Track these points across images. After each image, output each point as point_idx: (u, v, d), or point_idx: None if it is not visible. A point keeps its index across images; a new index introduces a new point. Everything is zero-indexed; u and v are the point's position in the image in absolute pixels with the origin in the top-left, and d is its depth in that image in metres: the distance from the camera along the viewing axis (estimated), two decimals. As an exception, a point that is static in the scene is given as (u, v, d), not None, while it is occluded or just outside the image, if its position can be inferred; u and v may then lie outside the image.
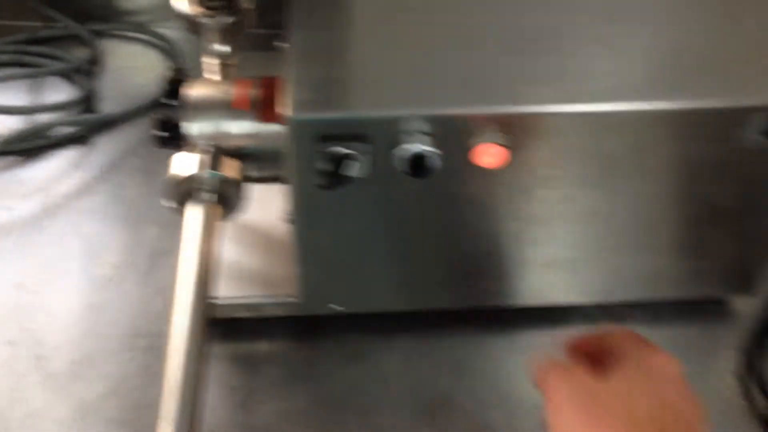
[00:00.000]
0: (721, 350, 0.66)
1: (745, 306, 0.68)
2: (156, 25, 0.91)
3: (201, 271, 0.48)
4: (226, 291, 0.61)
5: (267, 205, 0.65)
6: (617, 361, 0.45)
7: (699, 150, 0.52)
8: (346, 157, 0.47)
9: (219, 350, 0.62)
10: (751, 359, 0.64)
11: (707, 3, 0.57)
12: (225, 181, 0.54)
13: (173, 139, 0.57)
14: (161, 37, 0.90)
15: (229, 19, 0.61)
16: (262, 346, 0.64)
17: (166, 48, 0.89)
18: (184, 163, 0.54)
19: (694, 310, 0.68)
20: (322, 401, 0.61)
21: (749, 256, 0.62)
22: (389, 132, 0.48)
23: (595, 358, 0.47)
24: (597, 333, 0.49)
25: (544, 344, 0.65)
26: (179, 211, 0.54)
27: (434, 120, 0.48)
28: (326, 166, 0.48)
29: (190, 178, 0.53)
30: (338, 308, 0.61)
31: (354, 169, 0.48)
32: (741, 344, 0.65)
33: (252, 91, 0.57)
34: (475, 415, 0.61)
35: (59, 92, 0.83)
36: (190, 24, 0.62)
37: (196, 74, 0.62)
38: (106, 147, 0.79)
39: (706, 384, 0.63)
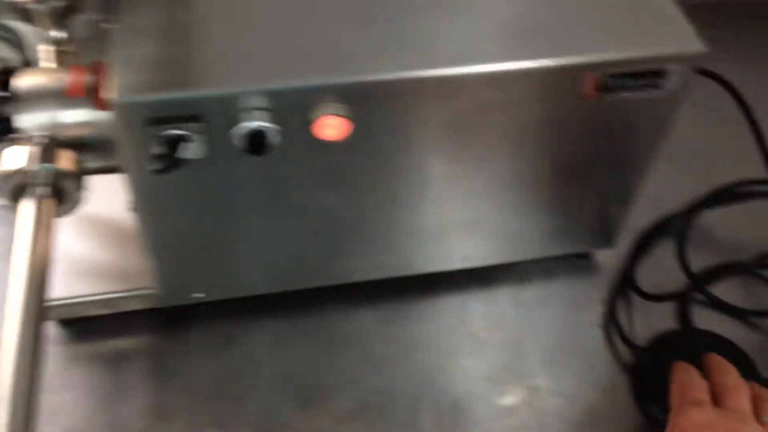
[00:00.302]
0: (585, 303, 0.68)
1: (607, 258, 0.71)
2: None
3: (35, 271, 0.46)
4: (78, 289, 0.58)
5: (115, 196, 0.63)
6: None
7: (542, 109, 0.53)
8: (179, 139, 0.46)
9: (78, 351, 0.60)
10: (612, 310, 0.66)
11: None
12: (60, 174, 0.51)
13: (4, 133, 0.54)
14: (5, 29, 0.84)
15: (60, 3, 0.58)
16: (125, 343, 0.62)
17: (12, 39, 0.84)
18: (15, 157, 0.51)
19: (560, 266, 0.70)
20: (192, 393, 0.60)
21: (607, 211, 0.64)
22: (224, 110, 0.46)
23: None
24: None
25: (412, 314, 0.66)
26: (12, 208, 0.51)
27: (271, 94, 0.47)
28: (159, 149, 0.46)
29: (22, 173, 0.50)
30: (200, 296, 0.60)
31: (189, 151, 0.46)
32: (604, 296, 0.68)
33: (87, 78, 0.54)
34: (350, 391, 0.61)
35: None
36: (21, 11, 0.58)
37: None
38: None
39: (573, 336, 0.66)
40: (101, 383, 0.59)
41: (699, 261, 0.70)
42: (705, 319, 0.67)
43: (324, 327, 0.64)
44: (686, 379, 0.56)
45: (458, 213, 0.61)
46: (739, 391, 0.54)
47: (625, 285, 0.68)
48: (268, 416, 0.59)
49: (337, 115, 0.48)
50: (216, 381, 0.60)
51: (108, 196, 0.63)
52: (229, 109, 0.47)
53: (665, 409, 0.59)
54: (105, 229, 0.63)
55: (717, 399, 0.54)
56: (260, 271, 0.60)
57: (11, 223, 0.62)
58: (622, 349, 0.64)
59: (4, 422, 0.39)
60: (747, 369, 0.63)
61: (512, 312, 0.67)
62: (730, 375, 0.56)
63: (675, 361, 0.62)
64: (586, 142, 0.57)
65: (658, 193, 0.74)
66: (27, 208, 0.49)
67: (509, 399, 0.62)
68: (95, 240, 0.62)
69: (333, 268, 0.62)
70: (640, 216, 0.73)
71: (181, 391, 0.60)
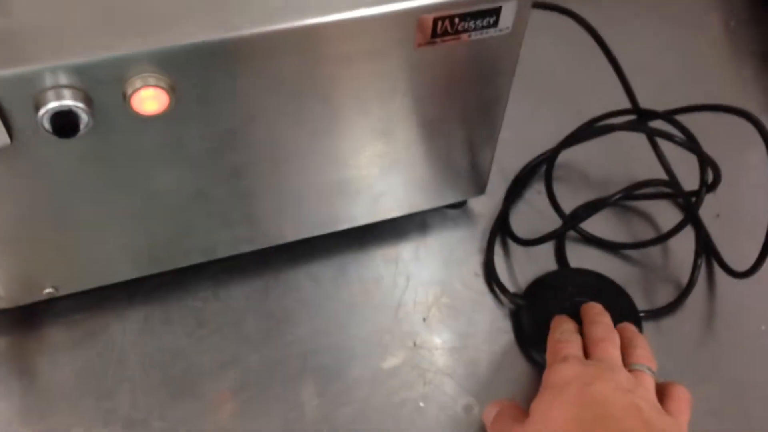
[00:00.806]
0: (464, 254, 0.67)
1: (480, 206, 0.70)
2: None
3: None
4: None
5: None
6: None
7: (378, 62, 0.51)
8: (-26, 128, 0.42)
9: None
10: (490, 259, 0.65)
11: None
12: None
13: None
14: None
15: None
16: (-24, 351, 0.58)
17: None
18: None
19: (436, 219, 0.69)
20: (56, 393, 0.56)
21: (470, 158, 0.62)
22: (22, 91, 0.43)
23: None
24: None
25: (285, 286, 0.64)
26: None
27: (75, 69, 0.43)
28: (-47, 142, 0.42)
29: None
30: (51, 292, 0.56)
31: (-14, 140, 0.42)
32: (482, 245, 0.67)
33: None
34: (225, 373, 0.59)
35: None
36: None
37: None
38: None
39: (454, 288, 0.65)
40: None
41: (573, 199, 0.70)
42: (583, 257, 0.67)
43: (192, 309, 0.62)
44: (557, 335, 0.57)
45: (319, 176, 0.58)
46: (607, 341, 0.55)
47: (501, 231, 0.67)
48: (139, 408, 0.56)
49: (155, 86, 0.45)
50: (81, 377, 0.57)
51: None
52: (27, 90, 0.43)
53: (546, 352, 0.59)
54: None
55: (588, 351, 0.55)
56: (113, 258, 0.57)
57: None
58: (503, 297, 0.64)
59: None
60: (624, 303, 0.63)
61: (389, 271, 0.66)
62: (600, 326, 0.57)
63: (551, 303, 0.62)
64: (433, 91, 0.55)
65: (532, 134, 0.73)
66: None
67: (391, 360, 0.61)
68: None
69: (192, 246, 0.59)
70: (515, 159, 0.72)
71: (45, 393, 0.56)
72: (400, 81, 0.53)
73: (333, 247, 0.66)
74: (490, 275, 0.64)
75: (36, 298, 0.56)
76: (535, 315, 0.62)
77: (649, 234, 0.69)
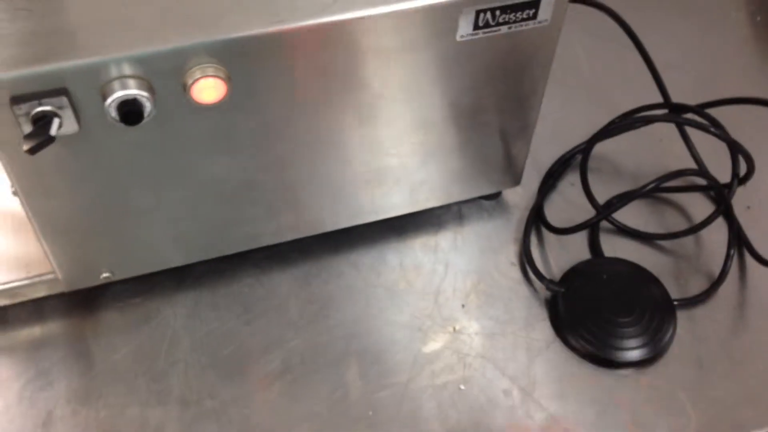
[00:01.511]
0: (499, 243, 0.69)
1: (516, 197, 0.71)
2: None
3: None
4: (-24, 281, 0.57)
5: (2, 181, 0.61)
6: None
7: (421, 53, 0.53)
8: (48, 114, 0.45)
9: (-13, 344, 0.59)
10: (526, 247, 0.67)
11: None
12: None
13: None
14: None
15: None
16: (38, 331, 0.61)
17: None
18: None
19: (472, 209, 0.71)
20: (113, 374, 0.59)
21: (506, 149, 0.64)
22: (90, 81, 0.45)
23: None
24: None
25: (327, 272, 0.66)
26: None
27: (140, 60, 0.46)
28: (28, 127, 0.45)
29: None
30: (107, 276, 0.59)
31: (56, 128, 0.45)
32: (517, 235, 0.69)
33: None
34: (271, 354, 0.61)
35: None
36: None
37: None
38: None
39: (491, 276, 0.67)
40: (19, 373, 0.58)
41: (607, 190, 0.71)
42: (616, 247, 0.69)
43: (238, 294, 0.64)
44: None
45: (361, 165, 0.60)
46: None
47: (536, 221, 0.69)
48: (191, 389, 0.59)
49: (213, 76, 0.48)
50: (135, 359, 0.60)
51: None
52: (95, 80, 0.46)
53: (582, 338, 0.61)
54: None
55: None
56: (165, 245, 0.59)
57: None
58: (539, 285, 0.65)
59: None
60: (657, 292, 0.65)
61: (428, 259, 0.68)
62: None
63: (587, 290, 0.63)
64: (473, 82, 0.57)
65: (565, 127, 0.75)
66: None
67: (432, 345, 0.63)
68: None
69: (240, 234, 0.61)
70: (548, 151, 0.74)
71: (102, 374, 0.59)
72: (441, 72, 0.55)
73: (373, 236, 0.68)
74: (527, 263, 0.66)
75: (93, 282, 0.59)
76: (572, 302, 0.63)
77: (681, 225, 0.71)
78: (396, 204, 0.66)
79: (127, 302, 0.62)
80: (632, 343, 0.61)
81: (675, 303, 0.64)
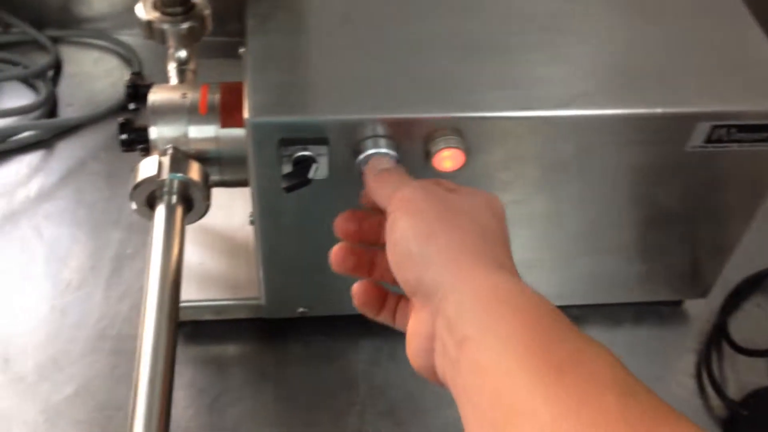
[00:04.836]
0: (676, 352, 0.68)
1: (698, 308, 0.71)
2: (113, 31, 0.91)
3: (170, 273, 0.49)
4: (191, 294, 0.62)
5: (229, 208, 0.67)
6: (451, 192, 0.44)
7: (645, 155, 0.55)
8: (310, 159, 0.49)
9: (187, 353, 0.63)
10: (706, 360, 0.66)
11: (649, 15, 0.59)
12: (190, 184, 0.55)
13: (137, 143, 0.58)
14: (119, 43, 0.90)
15: (186, 25, 0.62)
16: (229, 349, 0.65)
17: (124, 54, 0.90)
18: (150, 167, 0.55)
19: (651, 312, 0.70)
20: (291, 402, 0.62)
21: (702, 261, 0.64)
22: (348, 135, 0.50)
23: None
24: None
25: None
26: (146, 214, 0.55)
27: (392, 124, 0.50)
28: (290, 169, 0.49)
29: (156, 182, 0.54)
30: (304, 311, 0.63)
31: (313, 172, 0.49)
32: (696, 346, 0.68)
33: (212, 96, 0.58)
34: (443, 411, 0.62)
35: (18, 98, 0.83)
36: (148, 30, 0.63)
37: (156, 79, 0.63)
38: (66, 152, 0.79)
39: (664, 384, 0.66)
40: (212, 384, 0.62)
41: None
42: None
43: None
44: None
45: (551, 250, 0.62)
46: None
47: (719, 337, 0.68)
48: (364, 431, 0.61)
49: (455, 147, 0.51)
50: (315, 393, 0.62)
51: (220, 209, 0.67)
52: (352, 134, 0.50)
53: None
54: (216, 239, 0.66)
55: None
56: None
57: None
58: (714, 402, 0.64)
59: (143, 417, 0.42)
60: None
61: (600, 353, 0.68)
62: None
63: None
64: (687, 191, 0.58)
65: (754, 246, 0.74)
66: (161, 215, 0.53)
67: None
68: (207, 248, 0.66)
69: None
70: (733, 268, 0.73)
71: (284, 400, 0.62)
72: (661, 177, 0.57)
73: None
74: (708, 378, 0.65)
75: (290, 314, 0.63)
76: (755, 428, 0.61)
77: None
78: (576, 293, 0.67)
79: (311, 339, 0.65)
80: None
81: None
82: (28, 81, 0.85)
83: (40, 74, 0.84)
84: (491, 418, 0.33)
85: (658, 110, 0.52)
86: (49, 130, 0.80)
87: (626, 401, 0.31)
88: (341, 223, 0.47)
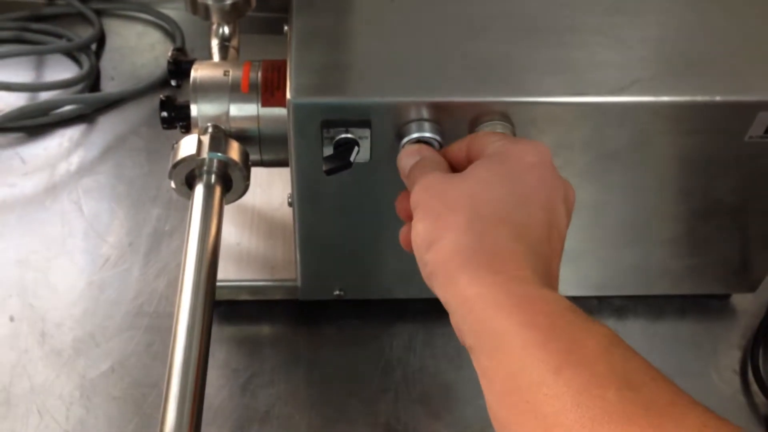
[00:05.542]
0: (721, 347, 0.66)
1: (745, 303, 0.68)
2: (158, 5, 0.91)
3: (208, 252, 0.49)
4: (228, 274, 0.61)
5: (268, 188, 0.66)
6: (478, 158, 0.44)
7: (701, 145, 0.53)
8: (352, 142, 0.48)
9: (222, 332, 0.63)
10: (752, 357, 0.64)
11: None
12: (230, 164, 0.54)
13: (179, 120, 0.57)
14: (163, 17, 0.90)
15: (230, 0, 0.61)
16: (264, 330, 0.65)
17: (167, 28, 0.89)
18: (189, 146, 0.54)
19: (696, 305, 0.68)
20: (325, 386, 0.61)
21: (752, 254, 0.62)
22: (391, 118, 0.48)
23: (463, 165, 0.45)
24: (463, 140, 0.46)
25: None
26: (184, 193, 0.54)
27: (437, 107, 0.49)
28: (332, 151, 0.48)
29: (196, 160, 0.54)
30: (339, 294, 0.62)
31: (355, 155, 0.48)
32: (742, 342, 0.66)
33: (255, 74, 0.57)
34: (477, 403, 0.61)
35: (61, 70, 0.83)
36: (192, 4, 0.62)
37: (198, 55, 0.62)
38: (108, 126, 0.79)
39: (707, 379, 0.64)
40: (246, 366, 0.62)
41: None
42: None
43: (452, 337, 0.65)
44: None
45: (596, 240, 0.60)
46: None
47: (766, 332, 0.66)
48: (398, 419, 0.60)
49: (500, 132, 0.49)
50: (347, 378, 0.62)
51: (259, 189, 0.66)
52: (395, 117, 0.48)
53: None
54: (254, 219, 0.66)
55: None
56: (398, 276, 0.61)
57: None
58: (759, 398, 0.62)
59: (178, 394, 0.42)
60: None
61: (645, 346, 0.65)
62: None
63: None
64: (742, 183, 0.56)
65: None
66: (200, 194, 0.52)
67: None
68: (245, 228, 0.65)
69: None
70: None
71: (317, 384, 0.61)
72: (718, 167, 0.54)
73: (592, 310, 0.67)
74: (753, 375, 0.63)
75: (325, 296, 0.62)
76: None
77: None
78: (620, 284, 0.65)
79: (346, 322, 0.65)
80: None
81: None
82: (71, 54, 0.85)
83: (84, 47, 0.84)
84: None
85: (717, 98, 0.50)
86: (90, 105, 0.80)
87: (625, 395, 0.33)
88: (402, 204, 0.46)
